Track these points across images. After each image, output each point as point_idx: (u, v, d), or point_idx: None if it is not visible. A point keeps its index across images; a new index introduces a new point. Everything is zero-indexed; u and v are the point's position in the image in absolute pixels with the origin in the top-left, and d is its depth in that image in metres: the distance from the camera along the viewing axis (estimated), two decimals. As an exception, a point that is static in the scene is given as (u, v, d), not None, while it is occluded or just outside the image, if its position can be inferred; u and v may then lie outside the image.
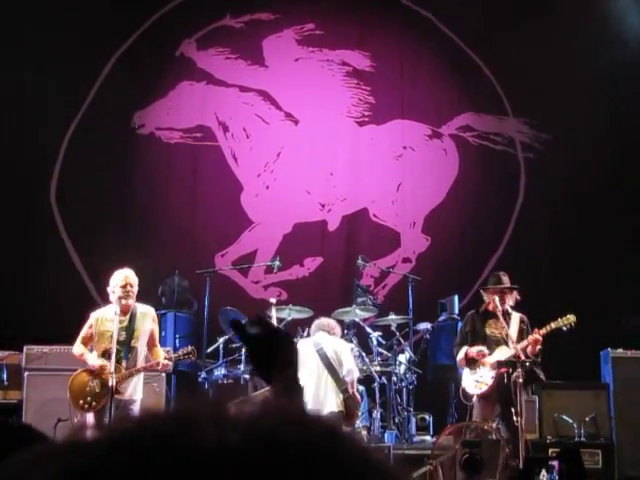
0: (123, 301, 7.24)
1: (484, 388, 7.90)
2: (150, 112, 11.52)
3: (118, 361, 7.11)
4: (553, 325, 7.80)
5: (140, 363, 7.30)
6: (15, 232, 10.83)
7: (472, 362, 8.02)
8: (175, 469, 0.71)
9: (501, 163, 11.88)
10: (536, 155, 11.82)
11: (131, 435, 0.77)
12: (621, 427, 9.30)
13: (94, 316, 7.38)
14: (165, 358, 7.43)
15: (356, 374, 8.38)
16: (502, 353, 7.89)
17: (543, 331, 7.79)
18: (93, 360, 7.19)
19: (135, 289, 7.34)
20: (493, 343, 8.01)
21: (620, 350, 9.68)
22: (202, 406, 0.79)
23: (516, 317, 8.08)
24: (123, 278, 7.29)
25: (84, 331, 7.38)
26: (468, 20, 11.83)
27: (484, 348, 7.96)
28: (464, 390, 8.12)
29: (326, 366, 8.07)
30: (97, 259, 10.82)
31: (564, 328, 7.79)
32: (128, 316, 7.32)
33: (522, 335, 7.98)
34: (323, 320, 8.66)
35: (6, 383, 8.91)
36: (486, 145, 11.87)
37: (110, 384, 6.94)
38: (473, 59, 11.91)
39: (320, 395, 7.96)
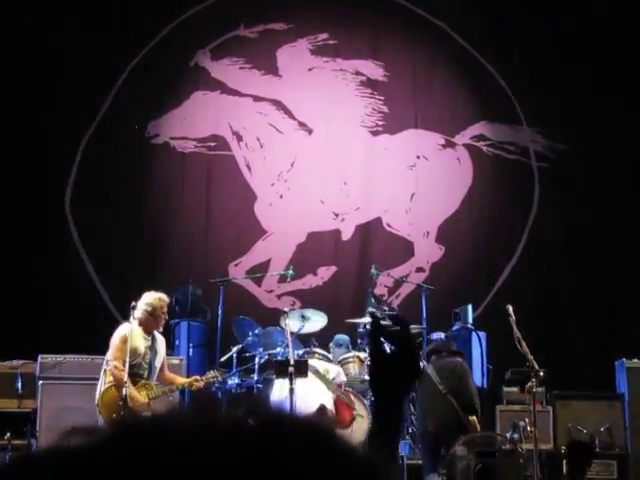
0: (158, 325, 7.63)
1: None
2: (164, 122, 11.55)
3: (147, 378, 7.47)
4: None
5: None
6: (30, 241, 10.86)
7: None
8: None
9: (515, 173, 11.83)
10: (550, 165, 11.78)
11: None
12: (636, 437, 9.24)
13: (125, 331, 7.39)
14: (197, 380, 7.80)
15: (344, 377, 8.65)
16: None
17: None
18: (136, 396, 7.26)
19: None
20: None
21: (635, 360, 9.63)
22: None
23: None
24: (165, 305, 7.62)
25: (120, 347, 7.33)
26: (482, 29, 11.83)
27: None
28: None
29: (313, 373, 8.25)
30: (111, 268, 10.89)
31: None
32: (151, 337, 7.60)
33: None
34: None
35: (20, 392, 8.91)
36: (500, 154, 11.83)
37: (124, 393, 7.06)
38: (487, 68, 11.88)
39: (308, 393, 8.08)
